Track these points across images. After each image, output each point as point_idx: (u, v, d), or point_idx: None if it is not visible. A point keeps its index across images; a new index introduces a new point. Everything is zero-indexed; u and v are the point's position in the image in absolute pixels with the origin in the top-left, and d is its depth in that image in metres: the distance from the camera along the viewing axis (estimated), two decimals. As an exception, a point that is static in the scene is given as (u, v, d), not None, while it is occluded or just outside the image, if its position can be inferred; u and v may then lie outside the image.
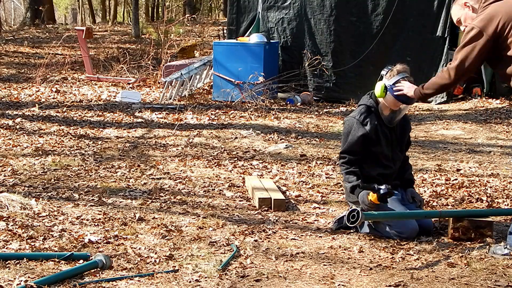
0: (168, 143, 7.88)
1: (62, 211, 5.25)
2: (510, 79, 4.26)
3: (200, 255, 4.34)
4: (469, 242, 4.60)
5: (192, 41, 16.84)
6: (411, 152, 6.77)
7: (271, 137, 8.24)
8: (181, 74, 10.86)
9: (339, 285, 3.93)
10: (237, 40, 11.23)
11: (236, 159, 7.14)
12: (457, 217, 4.70)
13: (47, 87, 11.92)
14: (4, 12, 35.02)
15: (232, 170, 6.70)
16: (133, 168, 6.68)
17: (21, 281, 3.83)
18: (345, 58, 11.10)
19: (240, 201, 5.69)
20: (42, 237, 4.61)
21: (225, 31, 13.98)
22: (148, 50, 13.57)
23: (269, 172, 6.65)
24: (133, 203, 5.53)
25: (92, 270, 4.03)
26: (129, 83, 12.29)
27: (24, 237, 4.60)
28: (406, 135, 5.11)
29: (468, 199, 5.61)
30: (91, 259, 4.15)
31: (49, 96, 11.16)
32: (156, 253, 4.37)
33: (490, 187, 5.99)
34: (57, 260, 4.15)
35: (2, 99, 10.77)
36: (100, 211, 5.28)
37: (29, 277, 3.91)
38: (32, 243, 4.49)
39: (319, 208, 5.48)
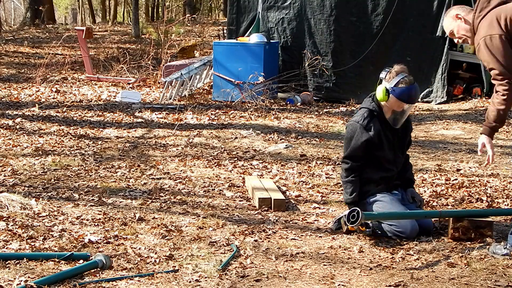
0: (168, 143, 7.88)
1: (62, 211, 5.25)
2: None
3: (200, 255, 4.34)
4: (469, 242, 4.60)
5: (192, 41, 16.84)
6: (411, 152, 6.76)
7: (271, 137, 8.24)
8: (181, 74, 10.86)
9: (339, 285, 3.94)
10: (237, 40, 11.23)
11: (236, 159, 7.14)
12: (457, 217, 4.70)
13: (47, 87, 11.92)
14: (4, 12, 35.03)
15: (232, 170, 6.70)
16: (133, 168, 6.68)
17: (21, 281, 3.83)
18: (345, 58, 11.10)
19: (240, 201, 5.69)
20: (42, 237, 4.61)
21: (225, 31, 13.99)
22: (148, 50, 13.57)
23: (269, 172, 6.65)
24: (133, 203, 5.53)
25: (92, 270, 4.03)
26: (129, 83, 12.29)
27: (24, 237, 4.60)
28: (408, 136, 5.11)
29: (468, 199, 5.61)
30: (91, 259, 4.16)
31: (49, 96, 11.16)
32: (156, 253, 4.37)
33: (490, 187, 5.99)
34: (57, 260, 4.15)
35: (2, 99, 10.77)
36: (100, 211, 5.28)
37: (29, 277, 3.91)
38: (32, 243, 4.49)
39: (319, 208, 5.48)
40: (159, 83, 12.12)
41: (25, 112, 9.69)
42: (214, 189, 6.02)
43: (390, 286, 3.91)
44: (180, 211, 5.33)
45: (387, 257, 4.38)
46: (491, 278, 3.99)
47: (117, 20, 30.13)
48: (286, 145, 7.75)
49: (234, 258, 4.31)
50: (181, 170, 6.64)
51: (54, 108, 9.96)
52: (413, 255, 4.40)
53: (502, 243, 4.37)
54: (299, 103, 10.70)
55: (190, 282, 3.94)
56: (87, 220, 5.06)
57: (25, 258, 4.15)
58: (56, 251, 4.35)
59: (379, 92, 4.84)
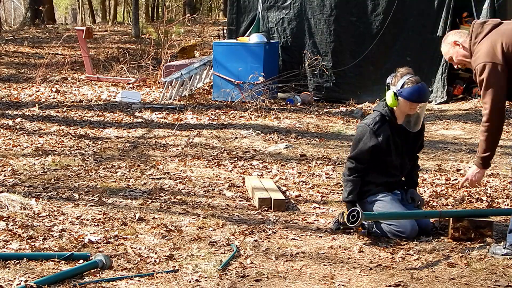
0: (168, 143, 7.88)
1: (62, 211, 5.25)
2: None
3: (200, 255, 4.34)
4: (469, 242, 4.60)
5: (192, 41, 16.84)
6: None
7: (271, 137, 8.24)
8: (181, 74, 10.86)
9: (339, 285, 3.94)
10: (237, 40, 11.23)
11: (236, 159, 7.14)
12: (457, 217, 4.70)
13: (47, 87, 11.92)
14: (4, 12, 35.03)
15: (232, 170, 6.70)
16: (133, 168, 6.68)
17: (21, 281, 3.84)
18: (345, 58, 11.10)
19: (240, 201, 5.69)
20: (42, 237, 4.61)
21: (225, 31, 13.98)
22: (148, 50, 13.57)
23: (269, 172, 6.65)
24: (133, 203, 5.53)
25: (92, 270, 4.03)
26: (129, 83, 12.29)
27: (24, 237, 4.60)
28: (419, 140, 5.04)
29: (468, 199, 5.62)
30: (91, 259, 4.16)
31: (49, 96, 11.16)
32: (156, 253, 4.37)
33: (490, 187, 5.99)
34: (57, 260, 4.15)
35: (2, 99, 10.77)
36: (100, 211, 5.28)
37: (29, 277, 3.91)
38: (32, 243, 4.49)
39: (319, 208, 5.48)
40: (159, 83, 12.12)
41: (25, 112, 9.69)
42: (214, 189, 6.02)
43: (390, 286, 3.91)
44: (180, 211, 5.33)
45: (387, 257, 4.38)
46: (491, 278, 3.99)
47: (117, 20, 30.12)
48: (286, 145, 7.75)
49: (234, 258, 4.31)
50: (181, 170, 6.64)
51: (54, 108, 9.96)
52: (413, 255, 4.40)
53: (502, 243, 4.37)
54: (299, 103, 10.70)
55: (190, 282, 3.94)
56: (87, 220, 5.06)
57: (25, 258, 4.16)
58: (56, 251, 4.35)
59: (388, 98, 4.79)
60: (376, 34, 10.85)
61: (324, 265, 4.24)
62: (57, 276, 3.89)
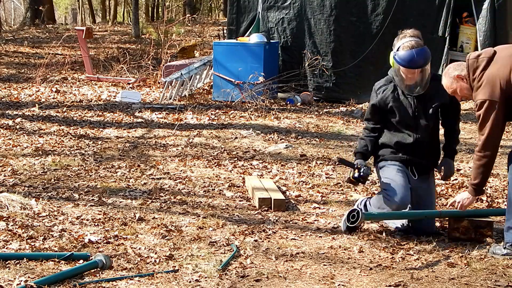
0: (168, 143, 7.88)
1: (62, 211, 5.25)
2: None
3: (200, 255, 4.34)
4: (469, 242, 4.60)
5: (192, 41, 16.84)
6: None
7: (271, 137, 8.24)
8: (181, 74, 10.86)
9: (339, 285, 3.94)
10: (237, 40, 11.23)
11: (236, 159, 7.14)
12: (457, 217, 4.71)
13: (47, 87, 11.92)
14: (4, 12, 35.03)
15: (232, 170, 6.70)
16: (133, 168, 6.68)
17: (21, 281, 3.84)
18: (345, 58, 11.09)
19: (240, 201, 5.69)
20: (42, 237, 4.61)
21: (225, 31, 13.98)
22: (148, 50, 13.57)
23: (269, 172, 6.65)
24: (133, 203, 5.53)
25: (92, 270, 4.03)
26: (129, 83, 12.29)
27: (24, 237, 4.60)
28: (439, 99, 4.85)
29: (468, 199, 5.60)
30: (91, 259, 4.16)
31: (49, 96, 11.16)
32: (156, 253, 4.37)
33: (490, 187, 5.99)
34: (57, 260, 4.15)
35: (2, 99, 10.77)
36: (100, 211, 5.28)
37: (29, 277, 3.91)
38: (32, 243, 4.49)
39: (319, 208, 5.48)
40: (159, 83, 12.12)
41: (25, 112, 9.69)
42: (214, 189, 6.02)
43: (390, 286, 3.91)
44: (180, 211, 5.33)
45: (387, 257, 4.38)
46: (491, 278, 4.00)
47: (117, 20, 30.12)
48: (286, 145, 7.75)
49: (234, 258, 4.31)
50: (181, 170, 6.64)
51: (54, 108, 9.96)
52: (413, 255, 4.41)
53: (502, 243, 4.37)
54: (299, 103, 10.70)
55: (190, 282, 3.94)
56: (87, 220, 5.06)
57: (25, 258, 4.16)
58: (56, 251, 4.35)
59: (390, 59, 4.85)
60: (376, 34, 10.84)
61: (324, 265, 4.24)
62: (57, 276, 3.90)
